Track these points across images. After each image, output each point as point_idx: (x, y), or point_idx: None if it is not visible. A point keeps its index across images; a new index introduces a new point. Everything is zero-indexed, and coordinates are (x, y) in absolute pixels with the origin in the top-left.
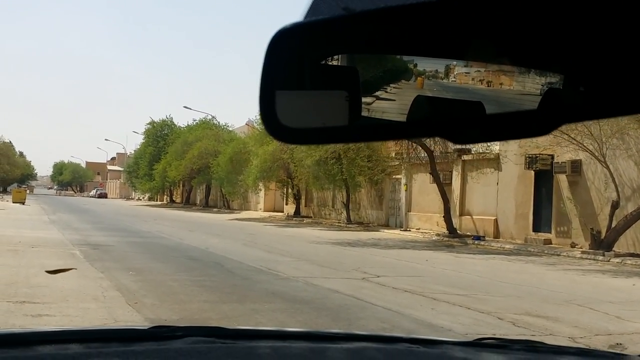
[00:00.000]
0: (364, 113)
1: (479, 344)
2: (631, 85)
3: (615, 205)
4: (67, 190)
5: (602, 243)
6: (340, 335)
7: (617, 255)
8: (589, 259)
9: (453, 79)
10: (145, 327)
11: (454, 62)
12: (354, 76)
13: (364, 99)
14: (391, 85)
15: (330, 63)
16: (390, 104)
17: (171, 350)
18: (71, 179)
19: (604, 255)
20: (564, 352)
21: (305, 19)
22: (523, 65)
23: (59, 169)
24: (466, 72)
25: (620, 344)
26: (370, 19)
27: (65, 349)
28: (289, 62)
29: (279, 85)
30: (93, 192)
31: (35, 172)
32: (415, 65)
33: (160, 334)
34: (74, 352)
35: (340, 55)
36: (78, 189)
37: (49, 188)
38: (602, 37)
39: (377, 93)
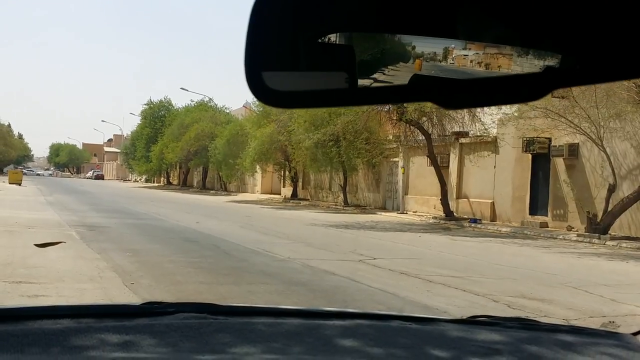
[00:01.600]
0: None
1: (472, 322)
2: (625, 52)
3: (611, 189)
4: (63, 171)
5: (598, 226)
6: (333, 312)
7: (612, 239)
8: (585, 242)
9: (451, 61)
10: (138, 304)
11: (453, 45)
12: (350, 55)
13: (360, 81)
14: (389, 67)
15: (323, 40)
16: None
17: (162, 326)
18: (68, 160)
19: (599, 238)
20: (556, 330)
21: None
22: (520, 44)
23: (56, 150)
24: (465, 55)
25: (613, 321)
26: None
27: (56, 323)
28: (275, 30)
29: (266, 54)
30: (90, 174)
31: (32, 153)
32: (414, 47)
33: (152, 310)
34: (65, 327)
35: (337, 34)
36: (75, 170)
37: (46, 169)
38: (599, 13)
39: (375, 75)
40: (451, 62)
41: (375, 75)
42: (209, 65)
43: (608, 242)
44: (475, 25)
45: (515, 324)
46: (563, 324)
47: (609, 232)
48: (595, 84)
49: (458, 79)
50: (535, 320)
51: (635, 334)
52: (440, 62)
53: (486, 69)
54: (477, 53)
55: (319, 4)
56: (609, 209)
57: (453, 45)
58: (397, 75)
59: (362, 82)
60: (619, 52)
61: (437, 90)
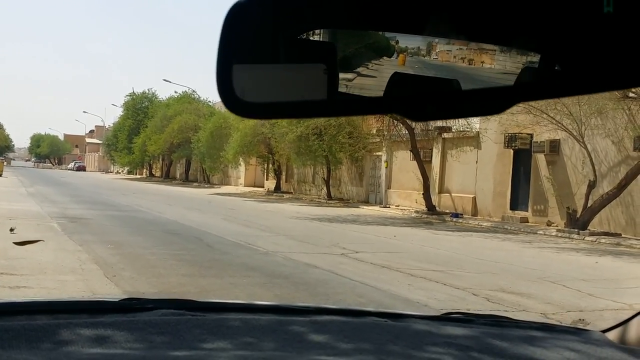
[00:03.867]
0: (342, 89)
1: (446, 318)
2: (600, 64)
3: (591, 185)
4: (45, 162)
5: (578, 222)
6: (310, 308)
7: (591, 234)
8: (564, 237)
9: (435, 56)
10: (116, 299)
11: (436, 40)
12: (331, 51)
13: (341, 75)
14: (372, 61)
15: (307, 36)
16: (364, 80)
17: (140, 322)
18: (49, 151)
19: (579, 233)
20: (527, 327)
21: None
22: (501, 43)
23: (37, 141)
24: (448, 50)
25: (583, 319)
26: None
27: (33, 319)
28: (249, 34)
29: (239, 58)
30: (71, 165)
31: (13, 144)
32: (397, 42)
33: (130, 306)
34: (43, 323)
35: (321, 30)
36: (56, 161)
37: (27, 160)
38: (577, 16)
39: (358, 69)
40: (435, 57)
41: (358, 70)
42: (192, 57)
43: (587, 238)
44: (456, 23)
45: (488, 321)
46: (535, 321)
47: (588, 227)
48: (559, 97)
49: (426, 93)
50: (508, 317)
51: (604, 331)
52: (424, 57)
53: (469, 64)
54: (460, 49)
55: (299, 2)
56: (589, 205)
57: (437, 41)
58: (376, 78)
59: (341, 85)
60: (593, 64)
61: (406, 103)
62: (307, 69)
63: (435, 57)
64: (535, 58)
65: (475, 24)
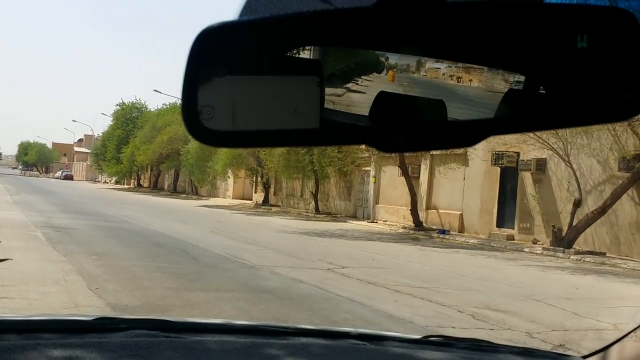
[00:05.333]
0: (329, 106)
1: (425, 342)
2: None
3: (577, 204)
4: (32, 170)
5: (563, 240)
6: (288, 330)
7: (576, 253)
8: (550, 255)
9: (424, 73)
10: (89, 319)
11: (424, 59)
12: (318, 68)
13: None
14: (362, 77)
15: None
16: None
17: (112, 344)
18: (37, 159)
19: (564, 252)
20: (507, 352)
21: (237, 18)
22: (486, 64)
23: (25, 148)
24: (437, 67)
25: (563, 344)
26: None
27: (3, 339)
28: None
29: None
30: (59, 174)
31: (0, 151)
32: (387, 59)
33: (103, 326)
34: (11, 344)
35: (311, 48)
36: (43, 169)
37: (14, 168)
38: (556, 51)
39: (348, 85)
40: (424, 74)
41: (348, 85)
42: (183, 67)
43: (572, 256)
44: (442, 49)
45: (468, 345)
46: (516, 345)
47: (574, 246)
48: (530, 131)
49: (396, 125)
50: (488, 342)
51: (585, 357)
52: (413, 73)
53: (457, 82)
54: (449, 66)
55: (283, 27)
56: (574, 223)
57: (425, 58)
58: (370, 87)
59: (327, 105)
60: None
61: (374, 134)
62: (279, 104)
63: (424, 74)
64: (519, 86)
65: (459, 46)
